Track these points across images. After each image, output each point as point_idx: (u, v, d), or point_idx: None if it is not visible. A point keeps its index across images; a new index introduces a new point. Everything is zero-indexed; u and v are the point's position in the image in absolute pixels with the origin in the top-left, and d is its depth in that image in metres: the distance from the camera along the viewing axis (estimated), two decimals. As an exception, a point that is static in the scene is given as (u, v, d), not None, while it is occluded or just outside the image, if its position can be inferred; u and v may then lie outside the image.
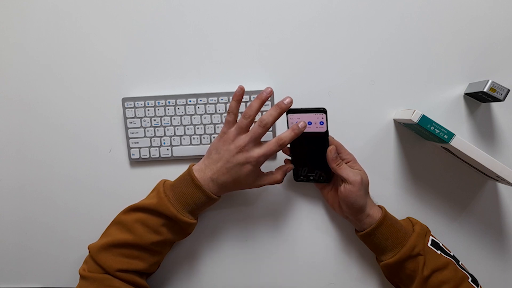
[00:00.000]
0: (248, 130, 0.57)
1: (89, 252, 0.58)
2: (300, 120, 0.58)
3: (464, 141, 0.54)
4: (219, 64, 0.67)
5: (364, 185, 0.59)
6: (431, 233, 0.60)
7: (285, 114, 0.58)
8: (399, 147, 0.66)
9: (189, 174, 0.59)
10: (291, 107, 0.58)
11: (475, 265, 0.64)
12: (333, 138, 0.62)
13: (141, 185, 0.68)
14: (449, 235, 0.66)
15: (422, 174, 0.66)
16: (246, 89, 0.64)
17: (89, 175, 0.69)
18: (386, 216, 0.59)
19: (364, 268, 0.67)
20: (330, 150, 0.59)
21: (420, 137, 0.66)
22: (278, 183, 0.61)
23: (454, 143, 0.54)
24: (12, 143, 0.69)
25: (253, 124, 0.57)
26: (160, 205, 0.57)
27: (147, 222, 0.57)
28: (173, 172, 0.65)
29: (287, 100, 0.56)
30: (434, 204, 0.66)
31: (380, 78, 0.66)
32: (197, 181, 0.58)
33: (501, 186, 0.66)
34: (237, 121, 0.58)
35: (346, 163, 0.60)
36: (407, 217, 0.64)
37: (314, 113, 0.59)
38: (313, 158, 0.62)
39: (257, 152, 0.56)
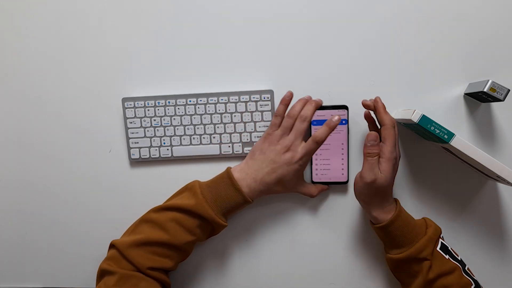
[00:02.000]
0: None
1: (118, 248, 0.56)
2: (324, 116, 0.62)
3: (464, 141, 0.54)
4: (220, 64, 0.67)
5: (373, 188, 0.56)
6: (441, 235, 0.59)
7: None
8: (399, 147, 0.66)
9: (228, 175, 0.59)
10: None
11: (475, 265, 0.63)
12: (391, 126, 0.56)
13: (141, 185, 0.68)
14: (449, 235, 0.66)
15: (422, 174, 0.66)
16: (246, 89, 0.65)
17: (89, 175, 0.69)
18: (398, 217, 0.57)
19: (365, 268, 0.67)
20: (369, 135, 0.56)
21: (420, 137, 0.66)
22: (311, 197, 0.63)
23: (454, 143, 0.54)
24: (11, 143, 0.69)
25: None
26: (198, 206, 0.57)
27: (183, 222, 0.57)
28: (173, 172, 0.65)
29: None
30: (434, 204, 0.66)
31: (380, 78, 0.66)
32: (236, 183, 0.58)
33: (501, 186, 0.66)
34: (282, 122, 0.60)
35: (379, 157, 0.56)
36: (423, 218, 0.61)
37: (337, 110, 0.63)
38: (332, 156, 0.63)
39: (299, 152, 0.57)
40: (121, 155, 0.68)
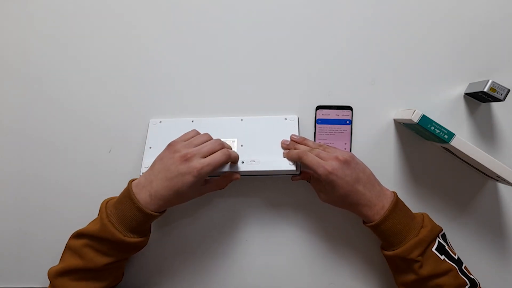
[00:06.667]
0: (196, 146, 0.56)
1: (48, 277, 0.57)
2: (329, 115, 0.64)
3: (464, 141, 0.54)
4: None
5: (340, 200, 0.57)
6: (440, 235, 0.57)
7: (314, 109, 0.65)
8: (399, 147, 0.66)
9: (128, 192, 0.55)
10: (321, 104, 0.65)
11: (475, 265, 0.63)
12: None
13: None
14: (449, 235, 0.65)
15: (422, 174, 0.66)
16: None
17: (89, 176, 0.69)
18: (387, 218, 0.55)
19: (365, 268, 0.67)
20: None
21: (420, 137, 0.66)
22: (222, 189, 0.60)
23: (454, 143, 0.54)
24: (11, 144, 0.69)
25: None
26: (103, 231, 0.55)
27: (95, 247, 0.56)
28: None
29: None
30: (434, 204, 0.66)
31: (380, 78, 0.66)
32: (136, 199, 0.54)
33: (501, 186, 0.66)
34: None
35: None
36: (422, 215, 0.59)
37: (341, 109, 0.65)
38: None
39: (197, 165, 0.53)
40: (126, 155, 0.68)
